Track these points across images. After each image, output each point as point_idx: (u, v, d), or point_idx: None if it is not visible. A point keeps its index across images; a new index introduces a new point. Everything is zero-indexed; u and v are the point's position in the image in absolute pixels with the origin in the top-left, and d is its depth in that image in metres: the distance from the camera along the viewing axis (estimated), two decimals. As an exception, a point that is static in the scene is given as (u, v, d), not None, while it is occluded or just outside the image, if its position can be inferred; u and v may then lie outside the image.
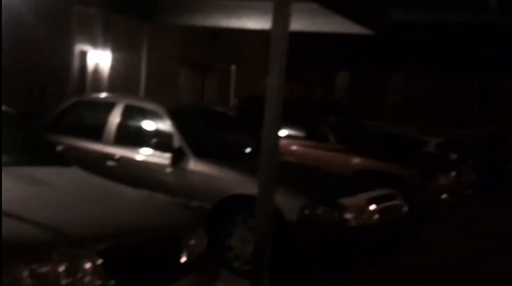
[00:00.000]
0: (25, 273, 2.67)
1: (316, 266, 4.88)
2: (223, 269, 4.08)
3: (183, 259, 3.35)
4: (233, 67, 14.64)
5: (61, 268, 2.77)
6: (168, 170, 5.21)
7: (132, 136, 5.68)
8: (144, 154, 5.43)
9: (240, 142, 6.07)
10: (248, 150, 5.91)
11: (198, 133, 5.76)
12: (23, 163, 3.98)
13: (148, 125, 5.69)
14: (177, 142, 5.27)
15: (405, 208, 5.36)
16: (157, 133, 5.50)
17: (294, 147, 7.36)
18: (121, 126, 5.69)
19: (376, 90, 17.14)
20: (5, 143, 4.17)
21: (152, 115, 5.62)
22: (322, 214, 4.63)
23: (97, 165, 5.24)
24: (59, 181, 3.83)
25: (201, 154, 5.19)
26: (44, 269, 2.73)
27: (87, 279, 2.84)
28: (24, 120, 4.64)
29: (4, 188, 3.40)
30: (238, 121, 7.15)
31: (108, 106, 5.87)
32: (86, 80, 10.79)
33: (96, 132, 5.76)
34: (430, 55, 15.06)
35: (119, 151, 5.51)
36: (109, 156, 5.50)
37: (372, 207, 4.89)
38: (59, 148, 4.56)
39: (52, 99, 8.85)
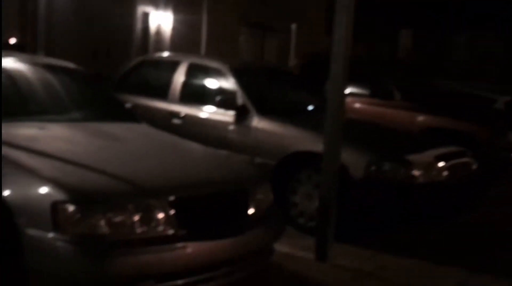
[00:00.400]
0: (102, 222, 2.79)
1: (381, 223, 4.85)
2: (287, 225, 4.12)
3: (251, 212, 3.42)
4: (294, 26, 14.45)
5: (136, 218, 2.88)
6: (232, 127, 5.25)
7: (196, 94, 5.73)
8: (208, 111, 5.49)
9: (302, 100, 6.03)
10: (310, 107, 5.87)
11: (262, 90, 5.75)
12: (95, 119, 4.10)
13: (212, 83, 5.72)
14: (240, 99, 5.29)
15: (474, 166, 5.21)
16: (221, 90, 5.53)
17: (357, 105, 7.24)
18: (185, 84, 5.75)
19: (441, 48, 16.57)
20: (78, 100, 4.34)
21: (216, 73, 5.64)
22: (388, 171, 4.55)
23: (163, 123, 5.34)
24: (130, 136, 3.93)
25: (265, 112, 5.19)
26: (119, 219, 2.84)
27: (160, 228, 2.93)
28: (94, 79, 4.77)
29: (79, 142, 3.58)
30: (300, 79, 7.09)
31: (172, 65, 5.94)
32: (148, 41, 10.96)
33: (161, 91, 5.85)
34: (497, 11, 14.34)
35: (184, 109, 5.59)
36: (175, 114, 5.59)
37: (441, 164, 4.77)
38: (128, 105, 4.67)
39: (117, 60, 9.05)
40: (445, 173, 4.78)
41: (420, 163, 4.67)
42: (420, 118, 6.90)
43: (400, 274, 4.03)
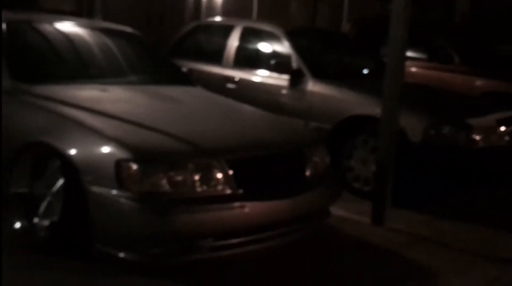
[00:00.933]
0: (164, 180, 2.86)
1: (438, 188, 4.77)
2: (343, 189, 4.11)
3: (307, 174, 3.41)
4: (346, -9, 14.14)
5: (196, 177, 2.93)
6: (286, 91, 5.23)
7: (250, 59, 5.72)
8: (262, 76, 5.47)
9: (357, 63, 5.94)
10: (365, 71, 5.78)
11: (316, 54, 5.69)
12: (154, 82, 4.17)
13: (266, 47, 5.69)
14: (295, 63, 5.24)
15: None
16: (276, 54, 5.50)
17: (414, 69, 7.07)
18: (239, 48, 5.74)
19: (500, 13, 15.88)
20: (136, 64, 4.41)
21: (270, 37, 5.60)
22: (448, 134, 4.45)
23: (217, 88, 5.37)
24: (187, 99, 3.97)
25: (320, 75, 5.13)
26: (180, 177, 2.90)
27: (219, 188, 2.98)
28: (152, 44, 4.82)
29: (140, 104, 3.65)
30: (355, 42, 6.97)
31: (226, 29, 5.93)
32: (201, 8, 10.96)
33: (215, 56, 5.87)
34: None
35: (238, 74, 5.60)
36: (229, 79, 5.61)
37: (502, 128, 4.62)
38: (184, 69, 4.72)
39: (170, 27, 9.10)
40: (507, 138, 4.64)
41: (480, 127, 4.54)
42: (479, 82, 6.70)
43: (458, 239, 3.97)
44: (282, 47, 5.43)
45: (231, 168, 3.01)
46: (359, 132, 4.75)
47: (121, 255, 2.86)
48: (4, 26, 3.79)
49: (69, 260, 3.01)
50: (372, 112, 4.49)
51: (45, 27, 4.10)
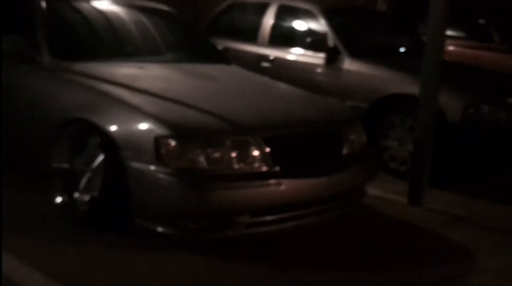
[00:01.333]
0: (202, 157, 2.89)
1: (476, 169, 4.68)
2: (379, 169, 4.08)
3: (344, 152, 3.40)
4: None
5: (233, 154, 2.95)
6: (323, 70, 5.18)
7: (286, 37, 5.67)
8: (297, 54, 5.44)
9: (394, 42, 5.84)
10: (402, 49, 5.69)
11: (353, 32, 5.61)
12: (190, 60, 4.19)
13: (302, 25, 5.64)
14: (331, 41, 5.18)
15: None
16: (311, 32, 5.45)
17: (452, 48, 6.91)
18: (275, 27, 5.70)
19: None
20: (172, 42, 4.43)
21: (306, 15, 5.54)
22: (487, 114, 4.36)
23: (252, 66, 5.35)
24: (224, 77, 3.98)
25: (356, 53, 5.07)
26: (218, 154, 2.92)
27: (255, 165, 2.99)
28: (187, 22, 4.84)
29: (177, 82, 3.67)
30: (392, 20, 6.84)
31: (261, 7, 5.88)
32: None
33: (250, 34, 5.84)
34: None
35: (274, 52, 5.57)
36: (264, 57, 5.58)
37: (544, 108, 4.51)
38: (219, 47, 4.71)
39: (203, 7, 9.09)
40: (549, 118, 4.53)
41: (522, 107, 4.44)
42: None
43: (495, 220, 3.91)
44: (318, 25, 5.37)
45: (268, 145, 3.01)
46: (396, 111, 4.68)
47: (159, 229, 2.91)
48: (43, 4, 3.85)
49: (108, 234, 3.08)
50: (410, 91, 4.42)
51: (83, 5, 4.14)
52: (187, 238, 2.96)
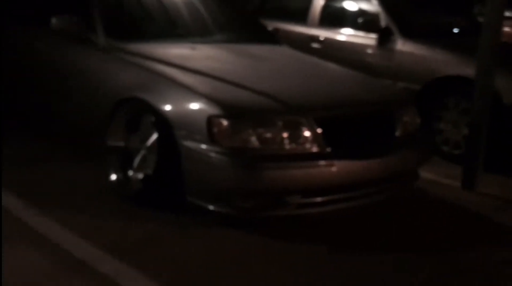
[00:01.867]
0: (253, 137, 2.89)
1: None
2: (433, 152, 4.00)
3: (397, 134, 3.34)
4: None
5: (285, 134, 2.94)
6: (374, 50, 5.09)
7: (336, 17, 5.59)
8: (349, 35, 5.36)
9: (448, 22, 5.67)
10: (456, 30, 5.52)
11: (406, 12, 5.47)
12: (241, 41, 4.17)
13: (353, 5, 5.54)
14: (384, 21, 5.08)
15: None
16: (363, 13, 5.35)
17: (508, 29, 6.69)
18: (325, 7, 5.62)
19: None
20: (223, 23, 4.44)
21: (358, -5, 5.45)
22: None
23: (302, 47, 5.31)
24: (275, 57, 3.97)
25: (410, 34, 4.95)
26: (269, 134, 2.93)
27: (307, 145, 2.99)
28: (238, 2, 4.84)
29: (228, 62, 3.68)
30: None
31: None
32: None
33: (300, 15, 5.79)
34: None
35: (324, 33, 5.50)
36: (314, 38, 5.53)
37: None
38: (270, 28, 4.69)
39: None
40: None
41: None
42: None
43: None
44: (370, 5, 5.27)
45: (319, 126, 3.00)
46: (450, 93, 4.57)
47: (211, 207, 2.96)
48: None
49: (162, 211, 3.14)
50: (465, 72, 4.31)
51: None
52: (238, 216, 2.98)
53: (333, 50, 5.34)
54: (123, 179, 3.31)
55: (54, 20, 3.63)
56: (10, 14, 4.47)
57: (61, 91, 3.89)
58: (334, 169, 2.98)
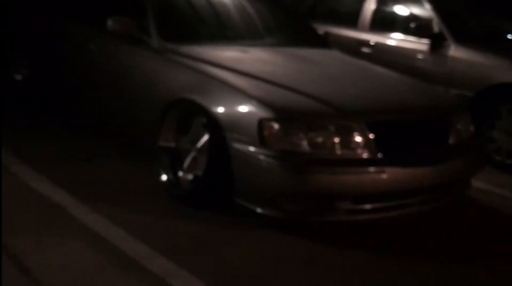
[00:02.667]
0: (304, 141, 2.88)
1: None
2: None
3: (450, 142, 3.27)
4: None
5: (336, 139, 2.91)
6: (426, 56, 5.00)
7: (387, 22, 5.53)
8: (400, 39, 5.28)
9: (503, 27, 5.53)
10: (510, 36, 5.38)
11: (459, 17, 5.37)
12: (292, 44, 4.17)
13: (405, 10, 5.46)
14: (436, 26, 4.99)
15: None
16: (415, 18, 5.26)
17: None
18: (376, 11, 5.56)
19: None
20: (273, 26, 4.44)
21: (410, 0, 5.37)
22: None
23: (352, 51, 5.26)
24: (326, 61, 3.95)
25: (463, 39, 4.85)
26: (320, 139, 2.91)
27: (358, 151, 2.95)
28: (288, 6, 4.83)
29: (279, 65, 3.68)
30: (499, 4, 6.47)
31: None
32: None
33: (350, 19, 5.74)
34: None
35: (374, 38, 5.44)
36: (364, 43, 5.48)
37: None
38: (320, 32, 4.67)
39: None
40: None
41: None
42: None
43: None
44: (423, 9, 5.18)
45: (372, 131, 2.95)
46: (505, 100, 4.45)
47: (259, 210, 2.95)
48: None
49: (210, 212, 3.16)
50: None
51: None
52: (286, 220, 2.97)
53: (383, 55, 5.27)
54: (174, 180, 3.35)
55: (110, 22, 3.70)
56: (59, 12, 4.60)
57: (114, 91, 3.97)
58: (385, 176, 2.93)
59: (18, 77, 4.98)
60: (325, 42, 4.43)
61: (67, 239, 2.77)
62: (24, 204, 3.10)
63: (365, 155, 2.95)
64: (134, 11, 3.88)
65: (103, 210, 3.09)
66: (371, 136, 2.95)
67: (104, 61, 4.07)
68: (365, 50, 5.42)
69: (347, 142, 2.93)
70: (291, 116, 2.93)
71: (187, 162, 3.30)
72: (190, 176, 3.25)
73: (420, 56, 5.05)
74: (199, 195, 3.19)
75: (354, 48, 5.41)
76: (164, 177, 3.38)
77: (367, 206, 2.99)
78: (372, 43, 5.42)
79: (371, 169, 2.93)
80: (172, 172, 3.36)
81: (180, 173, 3.32)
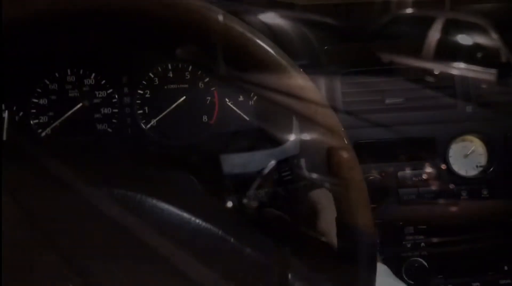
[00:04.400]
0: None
1: None
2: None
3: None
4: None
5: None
6: (492, 86, 4.89)
7: (452, 51, 5.45)
8: (465, 69, 5.19)
9: None
10: None
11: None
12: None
13: (470, 39, 5.38)
14: (504, 56, 4.88)
15: None
16: (480, 47, 5.17)
17: None
18: (441, 40, 5.50)
19: None
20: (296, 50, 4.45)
21: (476, 29, 5.29)
22: None
23: (415, 79, 5.20)
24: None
25: (533, 70, 4.73)
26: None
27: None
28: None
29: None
30: None
31: (426, 20, 5.72)
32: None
33: (414, 47, 5.69)
34: None
35: (439, 67, 5.37)
36: (428, 72, 5.40)
37: None
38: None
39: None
40: None
41: None
42: None
43: None
44: (489, 39, 5.09)
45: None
46: None
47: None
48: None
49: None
50: None
51: (255, 19, 4.30)
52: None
53: (447, 84, 5.18)
54: (238, 206, 3.35)
55: (178, 50, 3.79)
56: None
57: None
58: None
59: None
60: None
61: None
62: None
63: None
64: (201, 41, 3.96)
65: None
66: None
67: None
68: (429, 79, 5.35)
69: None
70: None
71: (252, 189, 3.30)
72: (255, 204, 3.24)
73: (486, 86, 4.94)
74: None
75: (417, 76, 5.35)
76: (229, 204, 3.38)
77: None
78: (436, 73, 5.34)
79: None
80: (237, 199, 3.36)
81: (245, 200, 3.33)
